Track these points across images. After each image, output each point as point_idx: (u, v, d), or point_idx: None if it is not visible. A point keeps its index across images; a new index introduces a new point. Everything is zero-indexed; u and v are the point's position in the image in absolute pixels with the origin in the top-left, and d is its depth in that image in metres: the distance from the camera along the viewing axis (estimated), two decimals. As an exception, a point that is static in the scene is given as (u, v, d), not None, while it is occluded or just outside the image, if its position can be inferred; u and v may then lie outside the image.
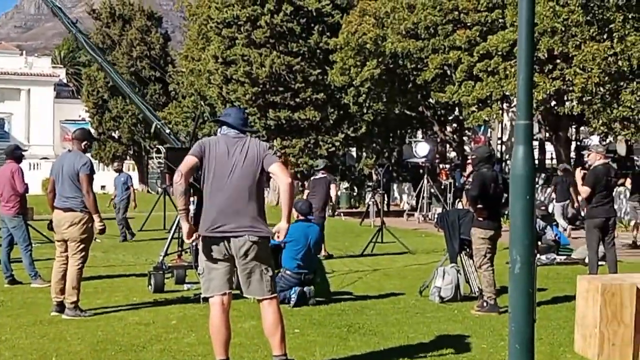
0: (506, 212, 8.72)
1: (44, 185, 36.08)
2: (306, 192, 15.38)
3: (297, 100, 28.61)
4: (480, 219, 8.69)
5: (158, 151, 11.24)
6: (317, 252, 9.49)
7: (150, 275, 10.02)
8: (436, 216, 19.60)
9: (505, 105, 25.53)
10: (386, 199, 27.91)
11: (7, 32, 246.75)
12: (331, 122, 29.25)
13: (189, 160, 5.62)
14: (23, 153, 11.20)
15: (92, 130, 47.87)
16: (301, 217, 9.43)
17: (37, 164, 50.96)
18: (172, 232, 10.97)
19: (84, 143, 8.61)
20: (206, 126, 33.40)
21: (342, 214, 27.98)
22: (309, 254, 9.20)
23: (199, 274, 5.83)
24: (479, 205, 8.64)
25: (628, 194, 18.91)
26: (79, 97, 59.87)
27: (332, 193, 14.92)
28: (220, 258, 5.60)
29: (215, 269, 5.62)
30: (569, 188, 18.64)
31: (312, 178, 15.61)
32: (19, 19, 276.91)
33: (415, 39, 23.05)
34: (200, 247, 5.71)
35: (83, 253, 8.35)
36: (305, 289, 9.03)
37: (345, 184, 35.34)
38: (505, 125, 30.74)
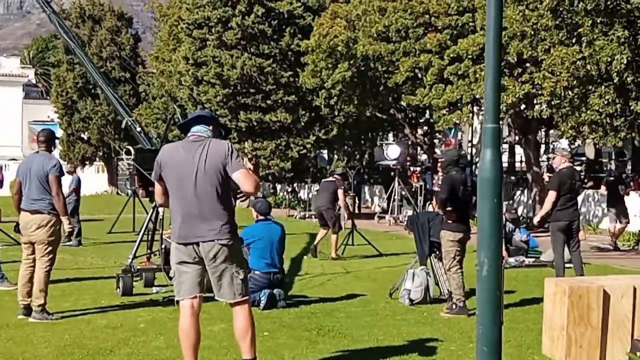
0: (475, 215, 8.76)
1: (12, 187, 35.53)
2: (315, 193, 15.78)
3: (269, 102, 28.62)
4: (450, 221, 8.73)
5: (128, 152, 11.21)
6: (281, 251, 9.47)
7: (119, 278, 9.94)
8: (406, 219, 19.66)
9: (475, 109, 25.70)
10: (357, 201, 27.96)
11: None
12: (302, 124, 29.27)
13: (157, 187, 5.73)
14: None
15: (61, 132, 47.45)
16: (261, 217, 9.44)
17: (5, 165, 50.40)
18: (141, 234, 10.88)
19: (50, 144, 8.54)
20: (176, 128, 33.30)
21: (313, 217, 27.94)
22: (274, 252, 9.21)
23: (170, 277, 5.79)
24: (449, 208, 8.69)
25: (598, 198, 19.12)
26: (48, 97, 59.26)
27: (340, 198, 15.07)
28: (190, 261, 5.55)
29: (185, 273, 5.58)
30: None
31: (323, 180, 16.24)
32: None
33: (386, 42, 23.10)
34: (171, 251, 5.69)
35: (51, 256, 8.25)
36: (275, 291, 9.02)
37: (317, 187, 35.34)
38: (475, 128, 30.93)
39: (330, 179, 15.37)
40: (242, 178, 5.45)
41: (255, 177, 5.57)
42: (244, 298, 5.61)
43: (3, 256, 11.29)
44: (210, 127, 5.74)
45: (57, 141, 10.61)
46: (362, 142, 35.68)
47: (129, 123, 11.89)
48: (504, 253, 12.36)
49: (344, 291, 10.31)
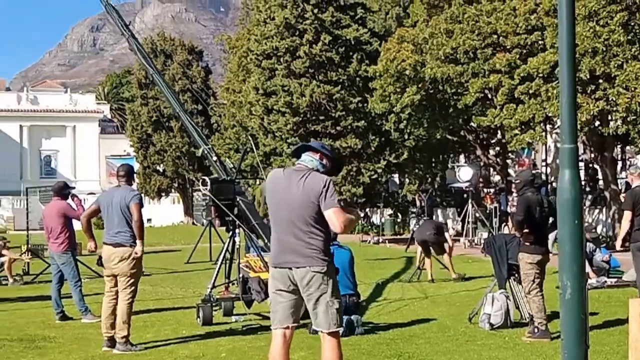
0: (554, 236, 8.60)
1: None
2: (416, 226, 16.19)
3: (338, 128, 28.72)
4: (528, 243, 8.61)
5: (203, 183, 11.36)
6: (352, 275, 9.47)
7: (199, 308, 10.08)
8: (482, 241, 19.47)
9: (548, 127, 25.29)
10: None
11: (51, 70, 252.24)
12: (373, 149, 29.28)
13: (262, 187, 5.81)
14: (70, 190, 11.43)
15: (137, 165, 48.54)
16: None
17: (84, 200, 51.74)
18: (218, 263, 11.03)
19: (130, 178, 8.79)
20: (249, 157, 33.65)
21: (386, 241, 27.88)
22: (346, 275, 9.20)
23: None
24: (526, 230, 8.57)
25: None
26: (124, 132, 60.82)
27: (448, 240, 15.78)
28: (285, 289, 5.60)
29: (280, 302, 5.63)
30: None
31: (423, 218, 16.72)
32: (63, 57, 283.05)
33: (454, 64, 23.02)
34: (269, 277, 5.80)
35: (133, 287, 8.45)
36: (352, 317, 9.01)
37: (389, 211, 35.25)
38: (549, 147, 30.42)
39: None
40: (333, 217, 5.47)
41: (347, 217, 5.55)
42: (338, 328, 5.60)
43: (86, 289, 11.57)
44: (319, 157, 5.75)
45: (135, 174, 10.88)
46: (433, 165, 35.43)
47: (206, 151, 12.11)
48: (591, 273, 12.09)
49: (422, 316, 10.23)
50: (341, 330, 5.71)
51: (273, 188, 5.72)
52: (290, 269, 5.54)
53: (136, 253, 8.42)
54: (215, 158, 12.34)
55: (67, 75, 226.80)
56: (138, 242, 8.44)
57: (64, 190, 11.19)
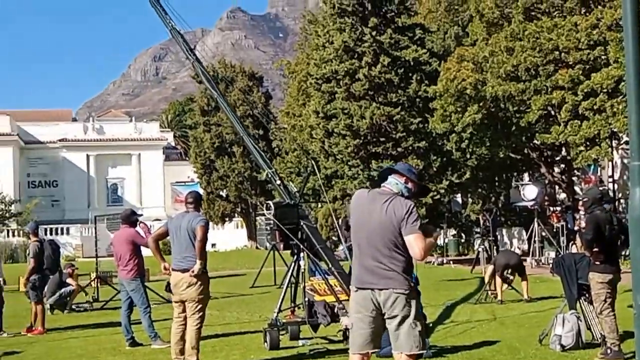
0: (625, 254, 8.43)
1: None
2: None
3: (399, 149, 28.63)
4: (598, 262, 8.44)
5: (268, 207, 11.44)
6: None
7: (266, 332, 10.13)
8: (550, 261, 19.12)
9: (614, 143, 24.81)
10: (496, 244, 27.41)
11: (115, 100, 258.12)
12: (434, 169, 29.09)
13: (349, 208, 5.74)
14: (138, 218, 11.65)
15: (201, 190, 49.17)
16: None
17: (150, 226, 52.53)
18: (284, 288, 11.08)
19: (198, 204, 8.94)
20: (311, 180, 33.80)
21: (451, 262, 27.61)
22: None
23: (347, 328, 5.88)
24: (595, 249, 8.40)
25: None
26: (187, 158, 61.69)
27: None
28: (366, 313, 5.60)
29: (361, 327, 5.63)
30: None
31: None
32: (126, 86, 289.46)
33: (516, 81, 22.81)
34: (350, 300, 5.80)
35: (201, 313, 8.54)
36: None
37: (453, 231, 34.92)
38: (616, 163, 29.80)
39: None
40: (414, 243, 5.49)
41: (428, 243, 5.56)
42: (420, 351, 5.58)
43: (154, 315, 11.72)
44: (404, 181, 5.76)
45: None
46: (497, 184, 35.02)
47: (270, 175, 12.22)
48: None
49: (491, 339, 10.09)
50: (424, 352, 5.67)
51: (356, 210, 5.75)
52: (373, 290, 5.54)
53: (193, 271, 8.52)
54: (279, 182, 12.42)
55: (131, 104, 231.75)
56: (198, 261, 8.53)
57: (131, 218, 11.42)
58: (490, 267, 15.13)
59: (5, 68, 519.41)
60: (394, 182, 5.74)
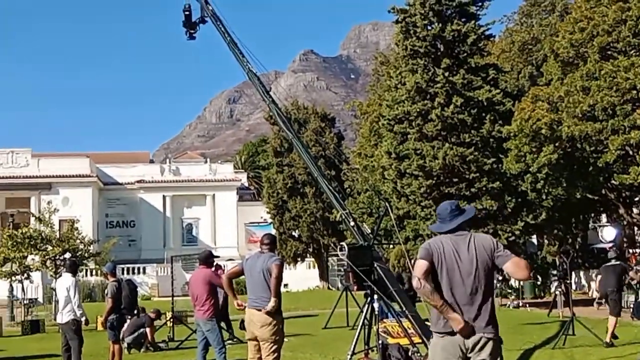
0: None
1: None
2: (599, 277, 15.57)
3: (473, 190, 28.38)
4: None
5: (341, 249, 11.49)
6: None
7: (339, 375, 10.11)
8: (630, 305, 18.58)
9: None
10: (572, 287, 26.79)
11: (191, 142, 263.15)
12: (509, 210, 28.69)
13: (422, 264, 5.60)
14: (215, 259, 11.86)
15: (274, 231, 49.54)
16: None
17: (224, 266, 53.08)
18: (358, 329, 11.05)
19: (273, 245, 9.05)
20: (383, 221, 33.73)
21: (527, 305, 27.07)
22: None
23: None
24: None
25: None
26: (260, 199, 62.32)
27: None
28: (453, 359, 5.58)
29: None
30: None
31: (604, 265, 15.88)
32: (201, 128, 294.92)
33: (592, 121, 22.48)
34: (430, 346, 5.75)
35: (276, 354, 8.57)
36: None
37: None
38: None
39: (614, 262, 14.96)
40: (518, 264, 5.60)
41: (527, 262, 5.64)
42: None
43: (229, 355, 11.81)
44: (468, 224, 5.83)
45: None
46: (574, 225, 34.35)
47: (344, 216, 12.29)
48: None
49: (570, 385, 9.84)
50: None
51: (443, 257, 5.67)
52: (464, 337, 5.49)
53: (265, 308, 8.58)
54: (352, 223, 12.48)
55: (206, 145, 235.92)
56: (272, 298, 8.60)
57: (209, 259, 11.62)
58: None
59: (86, 111, 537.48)
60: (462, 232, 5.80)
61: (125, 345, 15.78)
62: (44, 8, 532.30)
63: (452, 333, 5.53)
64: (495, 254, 5.59)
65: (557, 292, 22.20)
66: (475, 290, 5.55)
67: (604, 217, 34.95)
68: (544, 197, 28.14)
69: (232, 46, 16.38)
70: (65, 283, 13.20)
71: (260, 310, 8.61)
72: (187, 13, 18.58)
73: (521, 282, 32.48)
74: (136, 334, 16.71)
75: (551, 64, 26.55)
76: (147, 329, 17.19)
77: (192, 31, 18.70)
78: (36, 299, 35.71)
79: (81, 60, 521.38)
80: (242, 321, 8.97)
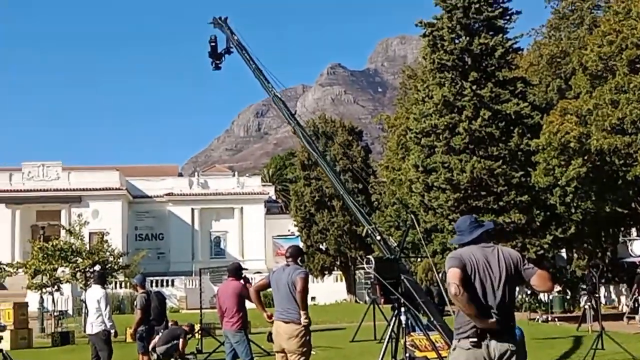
0: None
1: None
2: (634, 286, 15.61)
3: (501, 203, 28.26)
4: None
5: (368, 262, 11.57)
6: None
7: (367, 387, 10.15)
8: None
9: None
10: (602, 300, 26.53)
11: (219, 155, 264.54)
12: (538, 224, 28.52)
13: (456, 272, 5.62)
14: (244, 272, 11.97)
15: (301, 244, 49.63)
16: None
17: (252, 278, 53.16)
18: (385, 342, 11.09)
19: (299, 259, 9.11)
20: (410, 234, 33.67)
21: (556, 319, 26.86)
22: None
23: None
24: None
25: None
26: (288, 212, 62.52)
27: None
28: None
29: None
30: None
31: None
32: (230, 142, 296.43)
33: (621, 134, 22.34)
34: (453, 356, 5.76)
35: (303, 365, 8.65)
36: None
37: (558, 288, 33.99)
38: None
39: None
40: (542, 279, 5.74)
41: (550, 274, 5.78)
42: None
43: (257, 367, 11.90)
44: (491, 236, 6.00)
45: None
46: (603, 239, 34.01)
47: (370, 231, 12.38)
48: None
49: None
50: None
51: (475, 266, 5.72)
52: (489, 344, 5.54)
53: (299, 323, 8.66)
54: (379, 237, 12.55)
55: (234, 159, 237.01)
56: (302, 312, 8.68)
57: (239, 271, 11.73)
58: None
59: (115, 125, 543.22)
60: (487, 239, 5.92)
61: (155, 357, 15.91)
62: (76, 28, 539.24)
63: (478, 345, 5.57)
64: (522, 267, 5.72)
65: (587, 307, 22.02)
66: (504, 300, 5.64)
67: (634, 231, 34.60)
68: (572, 210, 27.93)
69: (258, 73, 17.13)
70: (95, 295, 13.39)
71: (287, 322, 8.69)
72: (213, 44, 19.29)
73: (550, 296, 32.22)
74: (170, 344, 16.84)
75: (580, 77, 26.43)
76: (180, 341, 17.31)
77: (218, 62, 19.47)
78: (66, 311, 36.03)
79: (108, 74, 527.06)
80: (270, 333, 9.06)
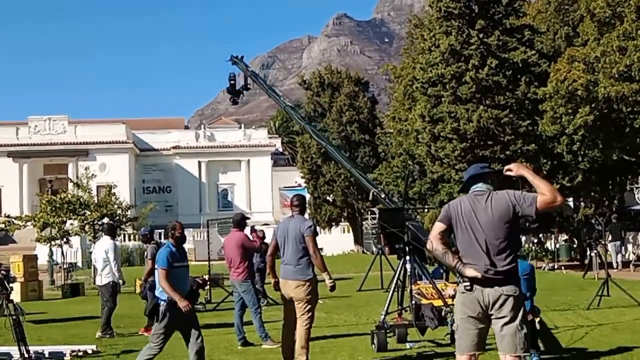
0: None
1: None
2: None
3: (508, 152, 28.17)
4: None
5: (372, 213, 11.60)
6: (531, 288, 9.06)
7: (373, 335, 10.24)
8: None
9: None
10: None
11: (225, 108, 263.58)
12: (544, 172, 28.44)
13: (438, 226, 5.79)
14: (247, 222, 12.02)
15: (308, 195, 49.74)
16: None
17: (260, 231, 53.38)
18: (391, 291, 11.15)
19: (303, 207, 9.09)
20: (416, 185, 33.69)
21: (562, 267, 26.98)
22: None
23: (453, 330, 5.92)
24: None
25: None
26: (294, 164, 62.52)
27: None
28: (474, 316, 5.64)
29: (467, 329, 5.68)
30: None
31: None
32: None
33: (629, 82, 22.16)
34: (456, 303, 5.85)
35: (310, 314, 8.71)
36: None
37: (564, 236, 34.07)
38: None
39: None
40: (543, 196, 5.66)
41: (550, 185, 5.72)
42: (524, 354, 5.61)
43: (265, 316, 12.01)
44: (488, 181, 5.91)
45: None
46: (610, 187, 33.94)
47: (375, 193, 12.46)
48: None
49: (603, 344, 9.87)
50: (529, 355, 5.67)
51: (461, 216, 5.74)
52: (483, 291, 5.57)
53: (328, 287, 8.78)
54: (383, 195, 12.62)
55: (240, 111, 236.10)
56: (324, 275, 8.77)
57: (242, 222, 11.77)
58: None
59: (123, 78, 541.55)
60: (485, 187, 5.85)
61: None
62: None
63: (471, 289, 5.60)
64: (520, 206, 5.63)
65: (593, 255, 22.09)
66: (494, 246, 5.59)
67: (641, 179, 34.52)
68: (579, 159, 27.84)
69: (271, 92, 20.48)
70: (104, 246, 13.49)
71: (293, 274, 8.72)
72: (232, 82, 21.19)
73: (557, 245, 32.33)
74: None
75: (587, 24, 26.13)
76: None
77: (237, 97, 21.68)
78: (75, 263, 36.39)
79: (118, 26, 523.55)
80: (276, 282, 9.09)
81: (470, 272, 5.56)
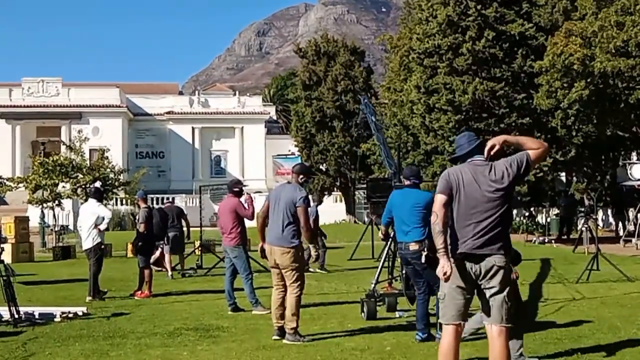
0: None
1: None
2: None
3: (502, 125, 28.19)
4: None
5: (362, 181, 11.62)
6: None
7: (363, 303, 10.28)
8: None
9: None
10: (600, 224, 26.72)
11: (220, 74, 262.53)
12: (538, 146, 28.49)
13: (439, 198, 5.72)
14: (242, 188, 11.97)
15: (301, 164, 49.63)
16: None
17: (253, 198, 53.37)
18: (381, 260, 11.19)
19: (300, 177, 9.00)
20: (410, 156, 33.70)
21: (552, 242, 27.11)
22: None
23: (440, 298, 5.93)
24: None
25: None
26: (288, 132, 62.41)
27: None
28: (463, 286, 5.67)
29: (455, 299, 5.70)
30: None
31: None
32: (231, 61, 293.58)
33: (625, 57, 22.10)
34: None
35: (299, 281, 8.73)
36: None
37: (555, 210, 34.19)
38: None
39: None
40: (532, 149, 5.72)
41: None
42: (508, 324, 5.65)
43: (255, 283, 12.04)
44: (484, 152, 5.84)
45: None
46: (603, 162, 34.03)
47: (391, 173, 12.59)
48: None
49: (591, 317, 9.93)
50: (510, 327, 5.69)
51: (462, 185, 5.70)
52: (475, 262, 5.59)
53: (313, 258, 8.78)
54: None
55: (235, 78, 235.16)
56: (311, 246, 8.76)
57: (237, 186, 11.75)
58: None
59: (116, 42, 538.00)
60: (481, 156, 5.81)
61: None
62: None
63: (461, 260, 5.62)
64: (518, 168, 5.67)
65: (584, 229, 22.18)
66: (491, 216, 5.60)
67: (634, 155, 34.59)
68: (574, 133, 27.87)
69: None
70: (90, 208, 13.37)
71: (279, 241, 8.69)
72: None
73: (548, 219, 32.44)
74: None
75: (586, -2, 26.00)
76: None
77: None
78: (67, 225, 36.37)
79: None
80: (263, 249, 9.03)
81: (444, 265, 5.56)
